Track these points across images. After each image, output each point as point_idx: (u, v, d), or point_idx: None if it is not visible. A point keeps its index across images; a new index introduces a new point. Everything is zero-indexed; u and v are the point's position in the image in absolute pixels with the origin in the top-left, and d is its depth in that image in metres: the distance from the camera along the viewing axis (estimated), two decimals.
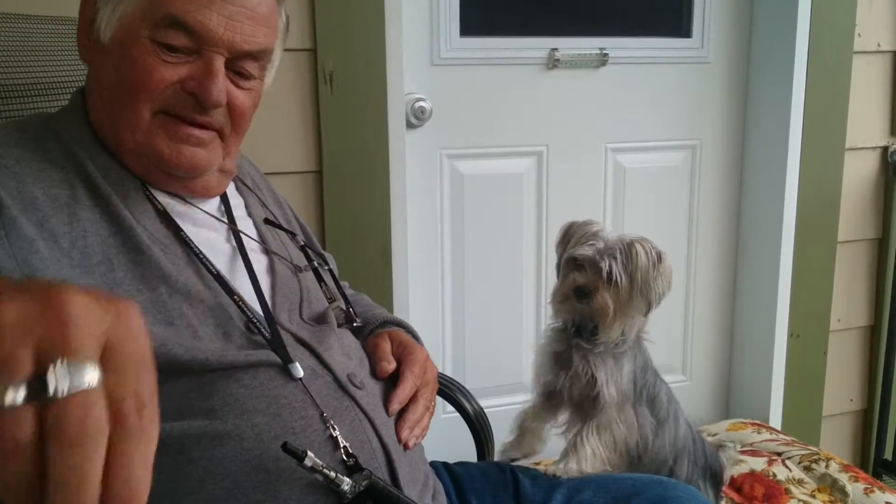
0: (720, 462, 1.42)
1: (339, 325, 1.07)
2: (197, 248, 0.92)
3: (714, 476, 1.38)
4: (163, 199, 0.94)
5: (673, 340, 2.25)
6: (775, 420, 2.15)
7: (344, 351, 1.00)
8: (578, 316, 1.23)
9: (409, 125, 1.85)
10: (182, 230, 0.92)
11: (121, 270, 0.84)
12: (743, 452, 1.77)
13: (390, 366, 1.03)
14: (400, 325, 1.21)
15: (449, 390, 1.37)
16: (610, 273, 1.17)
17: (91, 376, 0.37)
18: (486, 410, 2.00)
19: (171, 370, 0.82)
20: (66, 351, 0.37)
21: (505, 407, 2.07)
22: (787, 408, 2.16)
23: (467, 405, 1.37)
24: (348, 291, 1.30)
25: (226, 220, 1.01)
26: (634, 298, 1.19)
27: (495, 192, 2.01)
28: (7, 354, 0.36)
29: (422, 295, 1.95)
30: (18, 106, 1.10)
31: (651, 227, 2.12)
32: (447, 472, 1.18)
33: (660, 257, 1.20)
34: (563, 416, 1.35)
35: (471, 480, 1.16)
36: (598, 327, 1.21)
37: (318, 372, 0.93)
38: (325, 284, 1.12)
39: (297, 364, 0.90)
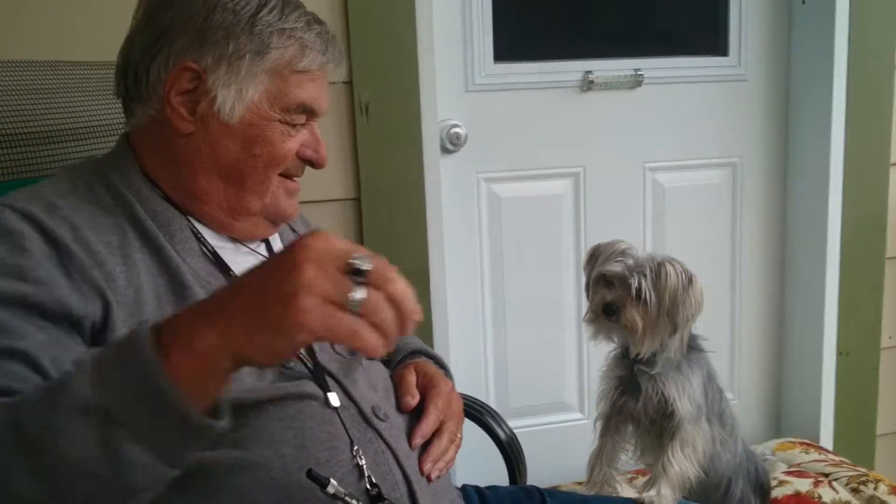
0: (767, 474, 1.41)
1: (370, 357, 1.10)
2: None
3: (763, 490, 1.38)
4: (211, 238, 1.00)
5: (719, 359, 2.20)
6: (826, 440, 2.11)
7: (370, 383, 1.03)
8: (615, 336, 1.25)
9: (446, 151, 1.89)
10: (231, 270, 0.98)
11: (168, 307, 0.89)
12: (789, 473, 1.75)
13: (413, 400, 1.06)
14: (428, 355, 1.24)
15: (479, 414, 1.39)
16: (639, 290, 1.18)
17: (366, 254, 0.64)
18: (530, 429, 2.03)
19: None
20: (348, 255, 0.63)
21: (549, 426, 2.10)
22: (839, 427, 2.11)
23: (498, 430, 1.38)
24: None
25: (265, 254, 1.07)
26: (662, 318, 1.19)
27: (533, 214, 2.03)
28: (337, 286, 0.62)
29: (462, 317, 1.98)
30: (67, 149, 1.17)
31: (693, 246, 2.13)
32: (478, 496, 1.20)
33: (691, 280, 1.20)
34: (631, 447, 1.35)
35: None
36: (629, 344, 1.22)
37: (344, 404, 0.96)
38: None
39: (334, 394, 0.95)
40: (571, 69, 1.99)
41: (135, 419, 0.62)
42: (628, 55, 2.03)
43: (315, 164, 1.04)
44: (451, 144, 1.89)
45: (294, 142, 1.00)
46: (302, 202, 1.65)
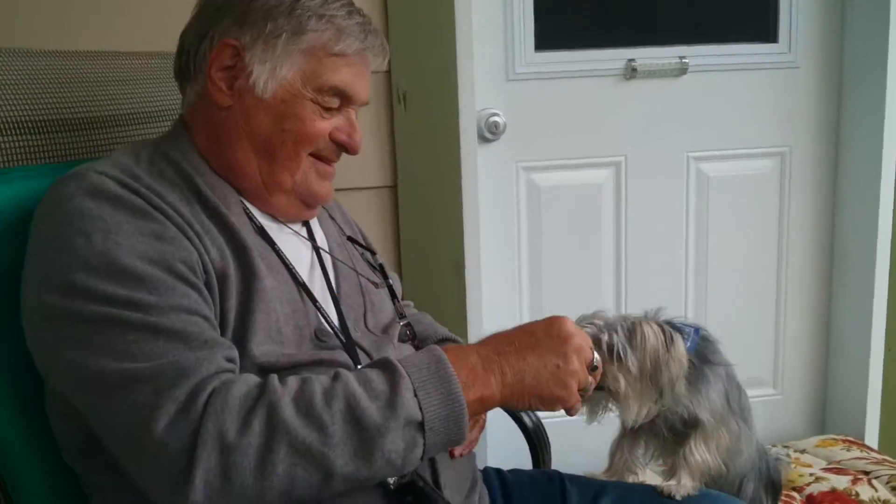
0: (778, 472, 1.39)
1: (403, 341, 1.15)
2: (287, 259, 1.03)
3: (774, 487, 1.35)
4: (259, 217, 1.04)
5: (763, 353, 2.19)
6: (872, 438, 2.06)
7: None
8: (610, 407, 1.17)
9: (485, 140, 1.90)
10: (276, 243, 1.02)
11: (231, 269, 0.94)
12: (827, 470, 1.72)
13: None
14: (456, 342, 1.26)
15: None
16: (611, 345, 1.09)
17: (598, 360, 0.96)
18: (566, 418, 2.02)
19: (243, 366, 0.90)
20: (592, 353, 0.95)
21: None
22: (885, 424, 2.06)
23: (525, 417, 1.39)
24: (410, 311, 1.37)
25: (306, 237, 1.11)
26: (645, 382, 1.10)
27: (573, 203, 2.02)
28: (585, 377, 0.94)
29: (499, 307, 1.99)
30: (122, 133, 1.23)
31: (738, 237, 2.10)
32: (498, 479, 1.22)
33: (672, 339, 1.12)
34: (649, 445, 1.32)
35: (520, 487, 1.20)
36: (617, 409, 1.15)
37: None
38: (398, 301, 1.20)
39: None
40: (614, 57, 1.97)
41: (433, 435, 0.83)
42: (673, 42, 2.00)
43: (348, 148, 1.06)
44: (490, 133, 1.90)
45: (326, 123, 1.02)
46: (339, 189, 1.68)
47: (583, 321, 1.14)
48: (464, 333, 1.80)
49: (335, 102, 1.02)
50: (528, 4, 1.90)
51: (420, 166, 1.75)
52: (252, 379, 0.83)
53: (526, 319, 2.01)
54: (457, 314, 1.80)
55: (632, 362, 1.10)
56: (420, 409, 0.82)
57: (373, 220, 1.75)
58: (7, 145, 1.06)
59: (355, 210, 1.68)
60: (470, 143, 1.77)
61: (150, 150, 1.01)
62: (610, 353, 1.09)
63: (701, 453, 1.18)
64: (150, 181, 0.94)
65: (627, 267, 2.07)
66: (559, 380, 0.90)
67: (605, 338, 1.09)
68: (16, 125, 1.08)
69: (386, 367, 0.86)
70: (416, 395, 0.82)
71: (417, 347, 1.20)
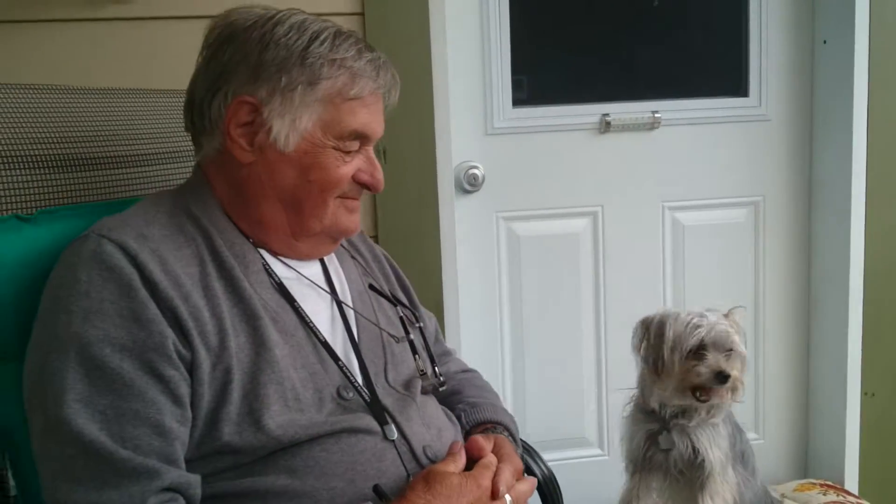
0: None
1: (425, 393, 1.13)
2: (308, 318, 1.03)
3: None
4: (278, 269, 1.05)
5: (744, 399, 2.22)
6: (851, 482, 2.07)
7: (424, 420, 1.08)
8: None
9: (464, 191, 1.98)
10: (296, 301, 1.03)
11: (242, 336, 0.95)
12: None
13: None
14: (504, 426, 1.24)
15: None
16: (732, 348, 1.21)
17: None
18: (549, 463, 2.05)
19: (262, 444, 0.93)
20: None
21: (567, 461, 2.12)
22: (864, 469, 2.08)
23: (534, 468, 1.36)
24: (458, 364, 1.39)
25: (328, 290, 1.12)
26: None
27: (552, 252, 2.08)
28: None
29: (481, 353, 2.04)
30: (149, 171, 1.24)
31: (714, 284, 2.15)
32: None
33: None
34: (659, 489, 1.34)
35: None
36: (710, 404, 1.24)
37: (398, 440, 1.02)
38: (419, 357, 1.17)
39: (392, 426, 1.02)
40: (589, 112, 2.05)
41: None
42: (645, 98, 2.08)
43: (371, 188, 1.08)
44: (469, 185, 1.97)
45: (349, 167, 1.04)
46: None
47: (690, 325, 1.24)
48: None
49: (355, 145, 1.04)
50: (505, 62, 1.99)
51: (400, 217, 1.82)
52: None
53: (508, 365, 2.09)
54: None
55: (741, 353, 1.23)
56: None
57: None
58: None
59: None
60: (448, 194, 1.84)
61: (170, 204, 1.02)
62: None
63: None
64: (157, 243, 0.94)
65: (606, 314, 2.12)
66: None
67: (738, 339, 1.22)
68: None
69: None
70: None
71: (445, 399, 1.22)
